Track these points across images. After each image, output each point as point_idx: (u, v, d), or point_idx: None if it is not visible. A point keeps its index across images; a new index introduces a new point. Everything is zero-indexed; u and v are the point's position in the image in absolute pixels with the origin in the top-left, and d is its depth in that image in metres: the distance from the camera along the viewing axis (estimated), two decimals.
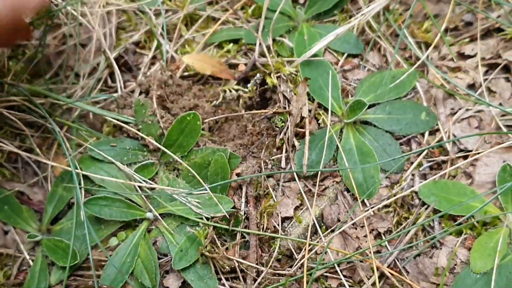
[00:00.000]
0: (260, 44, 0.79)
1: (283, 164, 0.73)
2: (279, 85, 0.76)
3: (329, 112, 0.73)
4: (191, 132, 0.72)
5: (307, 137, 0.72)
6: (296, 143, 0.74)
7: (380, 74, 0.77)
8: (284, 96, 0.75)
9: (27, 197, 0.73)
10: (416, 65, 0.76)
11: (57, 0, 0.84)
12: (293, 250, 0.67)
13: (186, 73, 0.80)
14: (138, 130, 0.73)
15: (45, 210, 0.71)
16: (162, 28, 0.83)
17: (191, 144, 0.72)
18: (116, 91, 0.79)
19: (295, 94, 0.74)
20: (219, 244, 0.65)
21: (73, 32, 0.82)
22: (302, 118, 0.74)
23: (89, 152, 0.72)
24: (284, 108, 0.74)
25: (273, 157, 0.73)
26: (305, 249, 0.66)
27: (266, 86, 0.78)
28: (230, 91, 0.79)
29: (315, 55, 0.77)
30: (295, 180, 0.72)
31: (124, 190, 0.71)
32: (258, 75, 0.78)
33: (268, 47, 0.79)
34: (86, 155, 0.72)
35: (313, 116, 0.75)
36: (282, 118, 0.75)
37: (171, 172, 0.73)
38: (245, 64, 0.80)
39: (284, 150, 0.74)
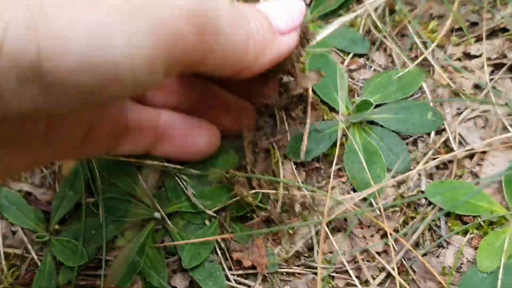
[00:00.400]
0: None
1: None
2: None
3: (340, 108, 0.73)
4: None
5: (308, 124, 0.71)
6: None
7: (386, 74, 0.77)
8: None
9: (35, 197, 0.73)
10: (421, 64, 0.76)
11: None
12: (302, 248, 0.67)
13: None
14: None
15: (53, 210, 0.71)
16: None
17: None
18: None
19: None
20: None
21: None
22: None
23: None
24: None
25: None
26: (318, 247, 0.66)
27: None
28: None
29: (321, 46, 0.77)
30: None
31: (134, 189, 0.71)
32: None
33: None
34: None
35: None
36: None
37: None
38: None
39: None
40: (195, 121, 0.65)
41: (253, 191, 0.66)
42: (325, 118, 0.74)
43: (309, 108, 0.71)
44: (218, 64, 0.43)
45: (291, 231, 0.67)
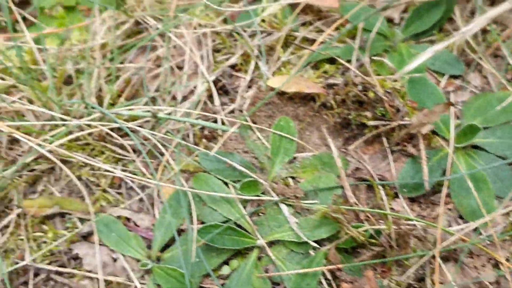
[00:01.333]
0: (357, 60, 0.79)
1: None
2: (390, 98, 0.73)
3: (452, 133, 0.72)
4: (289, 133, 0.75)
5: (423, 151, 0.70)
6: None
7: (485, 97, 0.76)
8: (397, 110, 0.73)
9: (134, 223, 0.72)
10: None
11: (151, 21, 0.84)
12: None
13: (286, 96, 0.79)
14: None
15: (154, 237, 0.70)
16: (259, 51, 0.82)
17: (293, 146, 0.75)
18: (215, 113, 0.78)
19: (417, 109, 0.72)
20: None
21: (168, 55, 0.81)
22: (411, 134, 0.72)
23: (200, 159, 0.74)
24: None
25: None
26: (429, 277, 0.64)
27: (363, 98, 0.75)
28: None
29: (417, 72, 0.76)
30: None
31: (233, 214, 0.70)
32: (360, 86, 0.75)
33: (365, 64, 0.78)
34: (200, 175, 0.73)
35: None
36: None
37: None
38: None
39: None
40: None
41: (363, 228, 0.65)
42: (431, 144, 0.72)
43: (421, 139, 0.70)
44: None
45: (406, 262, 0.66)
